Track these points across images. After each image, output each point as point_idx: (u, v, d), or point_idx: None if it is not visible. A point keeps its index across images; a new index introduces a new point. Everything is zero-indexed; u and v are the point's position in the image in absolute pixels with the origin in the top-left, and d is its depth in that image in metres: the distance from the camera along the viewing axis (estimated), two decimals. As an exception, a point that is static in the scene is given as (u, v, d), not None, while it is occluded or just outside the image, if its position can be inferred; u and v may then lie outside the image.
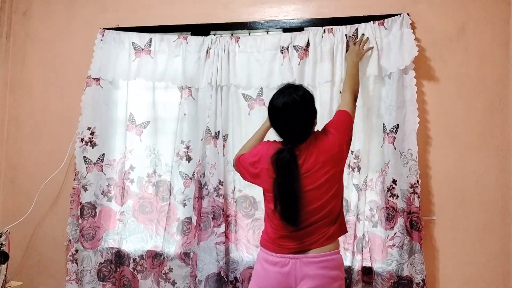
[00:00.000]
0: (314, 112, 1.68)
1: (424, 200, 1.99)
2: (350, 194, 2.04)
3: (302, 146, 1.63)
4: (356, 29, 2.06)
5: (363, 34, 2.04)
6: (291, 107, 1.63)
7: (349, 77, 1.93)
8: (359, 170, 2.03)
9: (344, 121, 1.74)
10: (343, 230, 1.69)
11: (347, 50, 2.04)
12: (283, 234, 1.62)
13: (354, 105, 1.84)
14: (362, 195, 2.02)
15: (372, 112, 2.07)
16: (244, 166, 1.76)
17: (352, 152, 2.03)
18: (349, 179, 2.04)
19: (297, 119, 1.63)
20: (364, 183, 2.03)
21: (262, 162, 1.68)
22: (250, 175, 1.75)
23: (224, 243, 2.11)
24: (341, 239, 1.97)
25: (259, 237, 2.13)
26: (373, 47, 2.03)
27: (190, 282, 2.14)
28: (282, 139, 1.69)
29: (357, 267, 1.97)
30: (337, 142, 1.66)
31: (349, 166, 2.04)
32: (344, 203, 1.99)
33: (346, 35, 2.06)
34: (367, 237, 2.02)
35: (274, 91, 2.11)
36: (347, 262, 1.99)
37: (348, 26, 2.07)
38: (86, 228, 2.24)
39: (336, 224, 1.64)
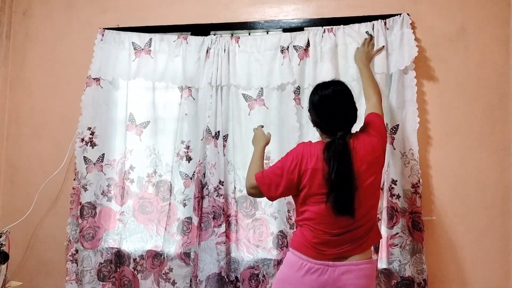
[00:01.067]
0: (354, 107, 1.65)
1: (424, 200, 1.98)
2: None
3: (349, 141, 1.57)
4: (373, 25, 2.03)
5: (371, 35, 2.00)
6: (342, 94, 1.62)
7: (369, 80, 1.87)
8: None
9: (380, 124, 1.70)
10: (378, 237, 1.66)
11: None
12: (324, 238, 1.54)
13: (382, 108, 1.81)
14: (381, 194, 1.96)
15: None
16: (273, 178, 1.61)
17: None
18: None
19: (348, 107, 1.61)
20: (383, 182, 1.99)
21: (305, 163, 1.57)
22: (287, 182, 1.59)
23: (224, 243, 2.10)
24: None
25: (260, 237, 2.14)
26: (384, 46, 1.98)
27: (191, 282, 2.14)
28: (325, 133, 1.63)
29: None
30: (380, 144, 1.62)
31: None
32: None
33: (367, 31, 2.01)
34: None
35: (274, 91, 2.15)
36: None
37: (348, 26, 2.07)
38: (86, 228, 2.24)
39: (372, 231, 1.60)
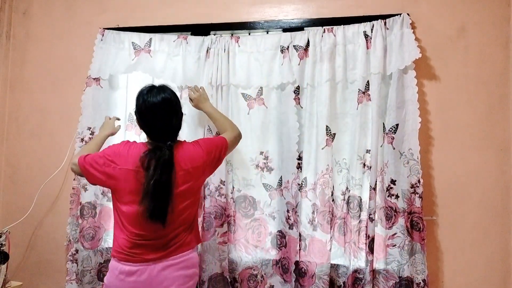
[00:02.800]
0: (181, 113, 1.72)
1: (425, 200, 1.98)
2: (363, 193, 2.02)
3: (174, 149, 1.62)
4: (373, 25, 2.01)
5: (196, 86, 2.11)
6: (169, 102, 1.64)
7: (226, 122, 1.96)
8: (369, 168, 1.99)
9: (217, 145, 1.77)
10: (199, 240, 1.74)
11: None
12: (138, 242, 1.58)
13: (235, 143, 1.90)
14: (373, 194, 1.96)
15: (374, 112, 2.05)
16: (94, 165, 1.62)
17: (368, 151, 2.01)
18: (364, 178, 2.02)
19: (174, 115, 1.66)
20: (381, 183, 1.98)
21: (122, 163, 1.59)
22: (103, 175, 1.61)
23: (226, 243, 2.10)
24: (355, 238, 1.98)
25: (258, 237, 2.14)
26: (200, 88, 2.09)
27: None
28: (152, 139, 1.65)
29: (369, 267, 1.93)
30: (203, 158, 1.67)
31: (364, 165, 2.02)
32: (358, 202, 2.00)
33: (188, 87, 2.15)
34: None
35: (274, 90, 2.14)
36: (361, 263, 1.98)
37: (348, 26, 2.06)
38: (86, 228, 2.24)
39: (192, 232, 1.68)
